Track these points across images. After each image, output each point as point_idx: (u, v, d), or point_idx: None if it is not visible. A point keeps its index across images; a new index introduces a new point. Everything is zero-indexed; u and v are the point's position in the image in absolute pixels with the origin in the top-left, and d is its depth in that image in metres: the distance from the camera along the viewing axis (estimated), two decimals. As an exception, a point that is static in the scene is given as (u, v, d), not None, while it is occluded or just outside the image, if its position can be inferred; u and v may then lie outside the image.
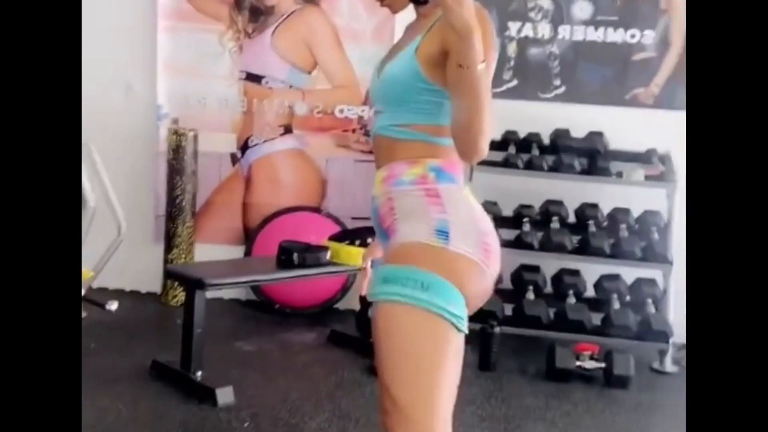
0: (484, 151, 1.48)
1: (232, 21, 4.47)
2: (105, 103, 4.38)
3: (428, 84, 1.57)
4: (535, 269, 4.04)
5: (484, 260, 1.54)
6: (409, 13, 1.73)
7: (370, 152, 4.45)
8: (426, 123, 1.60)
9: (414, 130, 1.61)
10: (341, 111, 4.51)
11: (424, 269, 1.50)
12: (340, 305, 4.50)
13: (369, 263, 1.92)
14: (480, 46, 1.42)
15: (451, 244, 1.52)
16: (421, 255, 1.52)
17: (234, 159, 4.54)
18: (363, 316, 3.81)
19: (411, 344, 1.51)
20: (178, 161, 4.25)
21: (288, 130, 4.53)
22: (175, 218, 4.28)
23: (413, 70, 1.58)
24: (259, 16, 4.47)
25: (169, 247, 4.31)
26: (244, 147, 4.53)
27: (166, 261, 4.31)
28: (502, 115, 4.09)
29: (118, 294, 4.37)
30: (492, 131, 1.49)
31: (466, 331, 1.55)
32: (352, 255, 3.60)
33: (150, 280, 4.48)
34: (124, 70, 4.45)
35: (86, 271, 3.89)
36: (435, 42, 1.55)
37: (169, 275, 4.02)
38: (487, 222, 1.61)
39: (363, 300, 3.84)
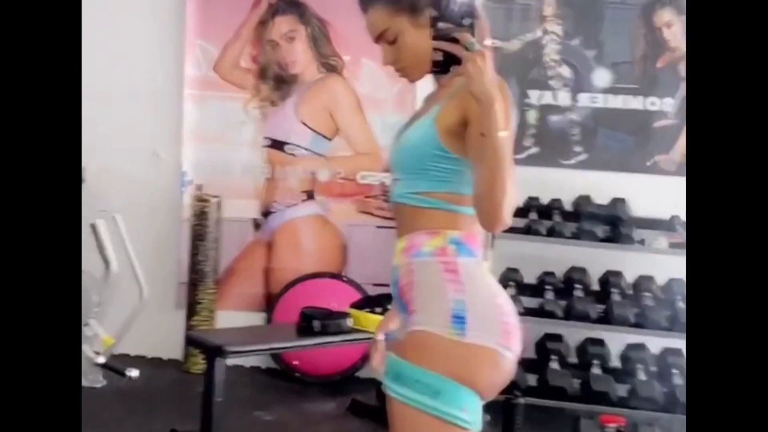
0: (507, 221, 1.48)
1: (257, 89, 4.56)
2: (131, 171, 4.45)
3: (447, 152, 1.57)
4: (559, 338, 3.98)
5: (504, 343, 1.53)
6: (429, 82, 1.75)
7: (392, 218, 4.47)
8: (445, 191, 1.59)
9: (433, 198, 1.60)
10: (363, 177, 4.54)
11: (435, 372, 1.49)
12: (361, 373, 4.44)
13: (382, 336, 1.90)
14: (502, 115, 1.43)
15: (467, 334, 1.51)
16: (435, 351, 1.51)
17: (257, 225, 4.57)
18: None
19: None
20: (201, 227, 4.28)
21: (310, 196, 4.57)
22: (198, 285, 4.29)
23: (432, 137, 1.58)
24: (283, 84, 4.56)
25: (191, 313, 4.31)
26: (267, 213, 4.56)
27: (187, 327, 4.31)
28: (524, 182, 4.07)
29: (140, 361, 4.37)
30: (515, 200, 1.48)
31: (481, 427, 1.54)
32: (374, 322, 3.56)
33: (172, 347, 4.46)
34: (150, 138, 4.53)
35: (107, 338, 3.90)
36: (455, 110, 1.56)
37: (190, 342, 4.01)
38: (505, 299, 1.59)
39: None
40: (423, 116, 1.65)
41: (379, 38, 1.68)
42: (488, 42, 1.46)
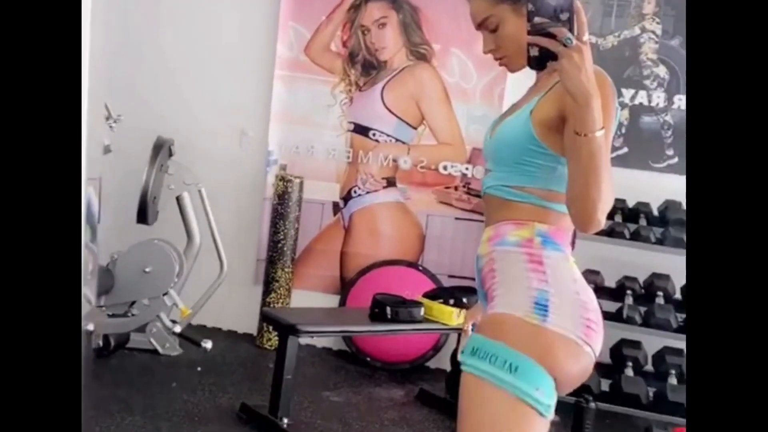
0: (601, 222, 1.43)
1: (345, 74, 4.58)
2: (218, 147, 4.55)
3: (541, 147, 1.53)
4: (636, 345, 3.87)
5: (585, 338, 1.48)
6: (522, 75, 1.70)
7: (472, 210, 4.47)
8: (537, 186, 1.56)
9: (524, 192, 1.57)
10: (445, 168, 4.51)
11: (514, 348, 1.45)
12: (431, 363, 4.44)
13: (470, 326, 1.89)
14: (599, 114, 1.37)
15: (548, 321, 1.47)
16: (515, 331, 1.47)
17: (336, 208, 4.61)
18: (453, 378, 3.74)
19: (491, 425, 1.46)
20: (283, 207, 4.34)
21: (391, 183, 4.57)
22: (276, 262, 4.36)
23: (526, 131, 1.54)
24: (371, 70, 4.57)
25: (267, 290, 4.39)
26: (347, 197, 4.59)
27: (263, 304, 4.38)
28: (610, 183, 4.00)
29: (216, 333, 4.48)
30: (611, 202, 1.43)
31: (552, 417, 1.49)
32: (446, 314, 3.55)
33: (247, 322, 4.56)
34: (239, 116, 4.61)
35: (185, 309, 4.01)
36: (552, 105, 1.51)
37: (265, 318, 4.08)
38: (590, 296, 1.54)
39: (454, 361, 3.78)
40: (520, 109, 1.61)
41: (480, 25, 1.66)
42: (586, 38, 1.38)
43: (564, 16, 1.39)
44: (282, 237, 4.35)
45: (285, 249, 4.36)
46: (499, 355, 1.45)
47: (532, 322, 1.47)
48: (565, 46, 1.36)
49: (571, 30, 1.37)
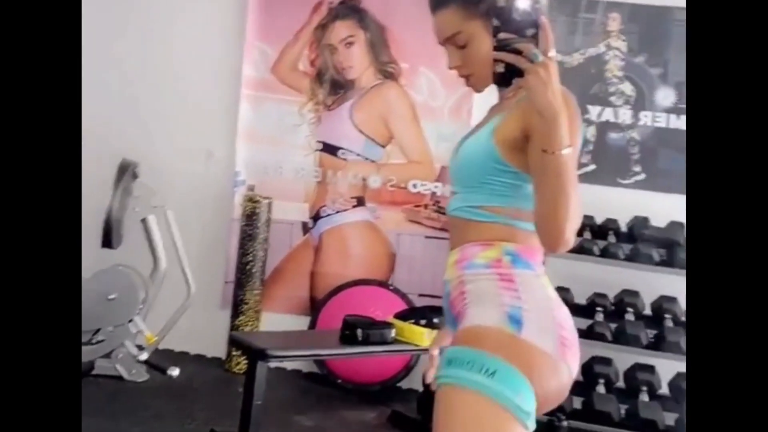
0: (570, 242, 1.39)
1: (313, 93, 4.56)
2: (185, 168, 4.49)
3: (506, 166, 1.50)
4: (608, 362, 3.87)
5: (560, 355, 1.43)
6: (488, 94, 1.67)
7: (442, 229, 4.45)
8: (503, 205, 1.52)
9: (490, 212, 1.53)
10: (414, 186, 4.50)
11: (492, 353, 1.39)
12: (403, 384, 4.40)
13: (437, 351, 1.84)
14: (566, 131, 1.35)
15: (523, 333, 1.42)
16: (491, 339, 1.42)
17: (305, 228, 4.56)
18: (425, 398, 3.70)
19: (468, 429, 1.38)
20: (251, 228, 4.29)
21: (360, 202, 4.54)
22: (244, 285, 4.30)
23: (489, 150, 1.51)
24: (339, 89, 4.55)
25: (236, 313, 4.32)
26: (316, 217, 4.55)
27: (232, 327, 4.31)
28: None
29: (183, 357, 4.40)
30: (578, 220, 1.40)
31: (533, 428, 1.42)
32: (417, 334, 3.51)
33: (215, 346, 4.48)
34: (206, 137, 4.56)
35: (150, 336, 3.93)
36: (516, 123, 1.48)
37: (233, 343, 4.01)
38: (565, 314, 1.50)
39: (426, 384, 3.74)
40: (482, 128, 1.57)
41: (447, 41, 1.61)
42: (552, 54, 1.36)
43: (530, 32, 1.37)
44: (251, 258, 4.29)
45: (254, 271, 4.30)
46: (475, 361, 1.40)
47: (508, 332, 1.43)
48: (531, 61, 1.34)
49: (537, 45, 1.36)
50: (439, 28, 1.61)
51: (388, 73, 4.52)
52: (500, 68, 1.38)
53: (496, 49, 1.38)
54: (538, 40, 1.36)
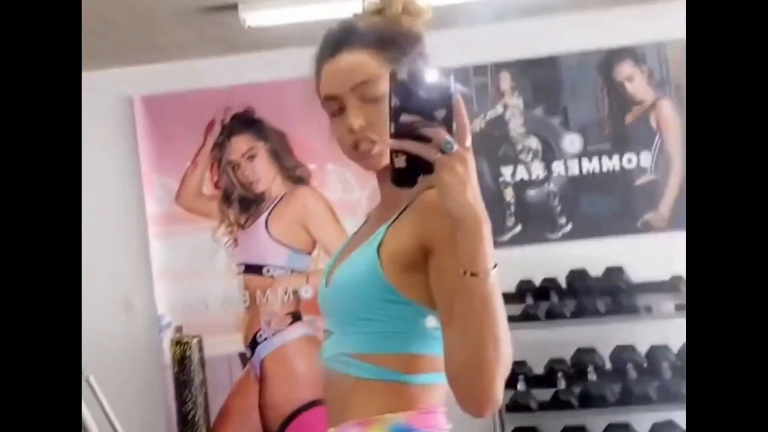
0: (499, 399, 1.05)
1: (224, 215, 4.39)
2: (102, 324, 4.24)
3: (395, 295, 1.14)
4: (582, 429, 3.70)
5: None
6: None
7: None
8: (392, 352, 1.15)
9: (374, 363, 1.16)
10: (348, 287, 4.33)
11: None
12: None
13: None
14: (491, 244, 1.03)
15: None
16: None
17: (244, 359, 4.33)
18: None
19: None
20: (184, 373, 4.04)
21: (297, 317, 4.34)
22: (190, 435, 4.03)
23: (374, 274, 1.15)
24: (249, 205, 4.40)
25: (187, 467, 4.04)
26: (253, 344, 4.32)
27: (186, 483, 4.02)
28: (513, 265, 3.90)
29: None
30: (510, 366, 1.07)
31: None
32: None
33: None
34: (120, 285, 4.34)
35: None
36: (409, 234, 1.14)
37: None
38: None
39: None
40: (363, 243, 1.20)
41: (351, 91, 1.20)
42: (469, 142, 1.04)
43: (440, 114, 1.04)
44: (191, 407, 4.03)
45: (197, 419, 4.03)
46: None
47: None
48: (443, 152, 1.02)
49: (450, 131, 1.03)
50: (345, 71, 1.20)
51: (297, 177, 4.39)
52: (401, 162, 1.04)
53: (395, 136, 1.04)
54: (450, 123, 1.04)
